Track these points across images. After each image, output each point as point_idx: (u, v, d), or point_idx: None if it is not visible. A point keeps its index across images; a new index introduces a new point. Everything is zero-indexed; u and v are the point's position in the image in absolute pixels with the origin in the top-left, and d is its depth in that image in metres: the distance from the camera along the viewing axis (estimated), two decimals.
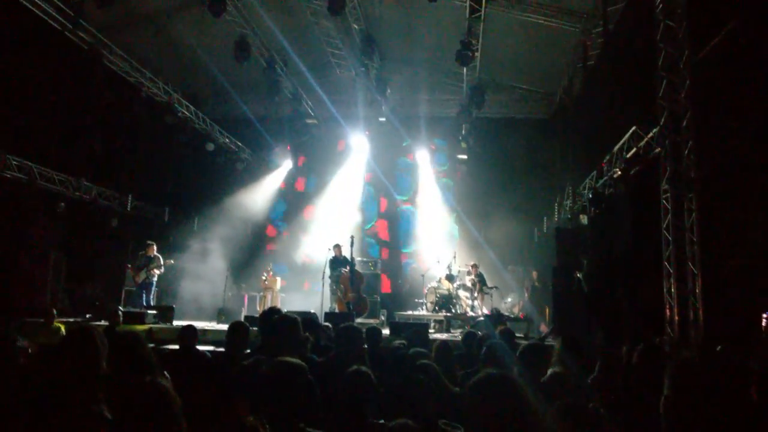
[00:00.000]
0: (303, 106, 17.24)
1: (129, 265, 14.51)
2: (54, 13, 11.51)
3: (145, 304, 13.36)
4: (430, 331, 11.92)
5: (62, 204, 13.77)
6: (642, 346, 3.80)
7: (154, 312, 12.32)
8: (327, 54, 15.67)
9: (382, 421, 3.04)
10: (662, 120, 9.32)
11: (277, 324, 4.15)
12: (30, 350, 3.67)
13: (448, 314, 13.77)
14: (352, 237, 14.00)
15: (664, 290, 9.30)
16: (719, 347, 6.22)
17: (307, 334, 5.31)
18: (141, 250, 14.13)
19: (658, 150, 9.56)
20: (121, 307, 12.95)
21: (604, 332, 10.45)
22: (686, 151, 8.98)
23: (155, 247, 14.04)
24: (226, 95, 18.17)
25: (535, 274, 15.22)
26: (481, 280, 14.84)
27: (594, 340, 9.92)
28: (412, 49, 15.79)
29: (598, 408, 2.57)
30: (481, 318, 12.75)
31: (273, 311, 5.10)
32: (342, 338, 4.56)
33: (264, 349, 4.48)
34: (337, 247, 14.24)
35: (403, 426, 2.56)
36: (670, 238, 9.23)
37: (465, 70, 13.73)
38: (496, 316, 12.73)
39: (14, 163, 12.73)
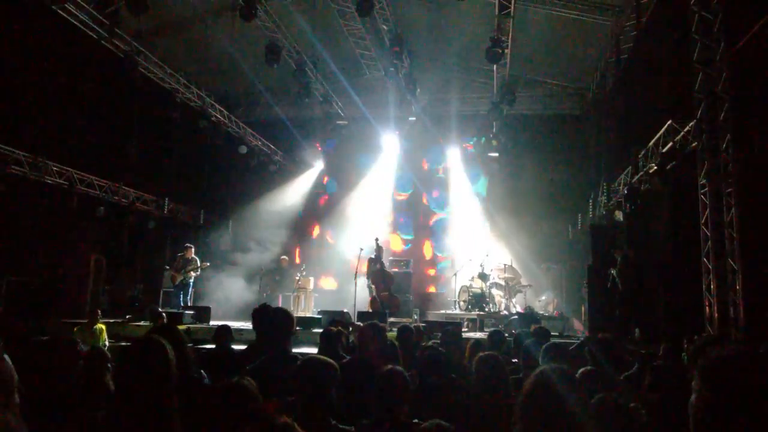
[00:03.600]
0: (333, 108, 17.36)
1: (167, 267, 14.83)
2: (90, 23, 11.81)
3: (182, 304, 13.63)
4: (464, 330, 11.88)
5: (101, 208, 14.16)
6: (665, 344, 3.75)
7: (192, 312, 12.56)
8: (356, 55, 15.74)
9: (416, 421, 3.05)
10: (698, 113, 9.10)
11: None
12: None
13: (482, 313, 13.70)
14: (376, 239, 14.21)
15: (703, 287, 9.09)
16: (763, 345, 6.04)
17: (340, 328, 5.39)
18: (179, 252, 14.43)
19: (694, 144, 9.35)
20: (159, 308, 13.26)
21: (641, 331, 10.27)
22: (724, 145, 8.76)
23: (193, 250, 14.33)
24: (257, 99, 18.45)
25: None
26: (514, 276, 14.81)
27: (631, 338, 9.77)
28: (441, 48, 15.77)
29: (639, 407, 2.55)
30: (515, 316, 12.65)
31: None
32: (366, 336, 4.57)
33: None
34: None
35: (436, 426, 2.57)
36: (708, 234, 9.02)
37: (495, 67, 13.62)
38: (529, 315, 12.62)
39: (54, 169, 13.13)
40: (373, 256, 14.07)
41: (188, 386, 2.88)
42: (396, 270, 15.38)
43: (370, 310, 13.19)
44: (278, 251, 17.45)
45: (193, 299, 14.47)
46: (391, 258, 15.71)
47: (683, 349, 6.01)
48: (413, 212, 19.12)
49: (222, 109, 16.51)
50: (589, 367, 3.36)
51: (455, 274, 15.54)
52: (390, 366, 3.30)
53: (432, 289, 17.80)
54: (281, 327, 4.05)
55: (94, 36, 12.10)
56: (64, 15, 11.41)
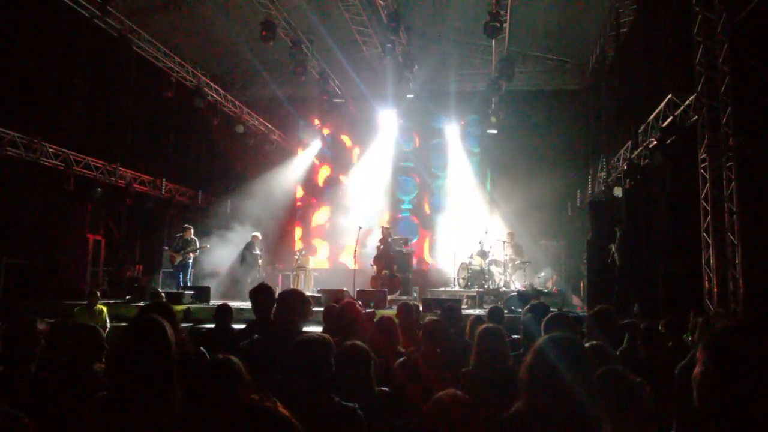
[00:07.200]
0: (330, 85, 17.20)
1: (166, 248, 14.82)
2: (82, 1, 11.63)
3: (182, 285, 13.63)
4: (463, 306, 11.91)
5: (99, 189, 14.09)
6: (666, 319, 3.75)
7: (191, 292, 12.57)
8: (353, 32, 15.53)
9: None
10: (699, 87, 9.03)
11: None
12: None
13: (481, 290, 13.73)
14: (382, 227, 14.81)
15: (703, 262, 9.09)
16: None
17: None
18: (178, 233, 14.41)
19: (695, 118, 9.28)
20: (159, 288, 13.27)
21: (640, 306, 10.30)
22: (724, 119, 8.71)
23: (192, 231, 14.31)
24: (253, 77, 18.27)
25: None
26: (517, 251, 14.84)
27: (629, 313, 9.79)
28: (439, 24, 15.54)
29: (644, 382, 2.55)
30: (514, 293, 12.68)
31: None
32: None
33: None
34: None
35: (452, 395, 2.54)
36: (708, 209, 9.00)
37: (494, 42, 13.46)
38: (529, 291, 12.64)
39: (50, 150, 13.03)
40: (380, 246, 14.29)
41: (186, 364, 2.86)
42: (396, 249, 15.37)
43: (372, 289, 13.22)
44: (275, 230, 17.44)
45: (193, 279, 14.47)
46: (391, 238, 15.69)
47: (687, 324, 6.01)
48: (412, 189, 19.07)
49: (218, 88, 16.36)
50: (594, 342, 3.36)
51: (454, 253, 15.58)
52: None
53: (431, 267, 17.83)
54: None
55: (87, 15, 11.92)
56: None
